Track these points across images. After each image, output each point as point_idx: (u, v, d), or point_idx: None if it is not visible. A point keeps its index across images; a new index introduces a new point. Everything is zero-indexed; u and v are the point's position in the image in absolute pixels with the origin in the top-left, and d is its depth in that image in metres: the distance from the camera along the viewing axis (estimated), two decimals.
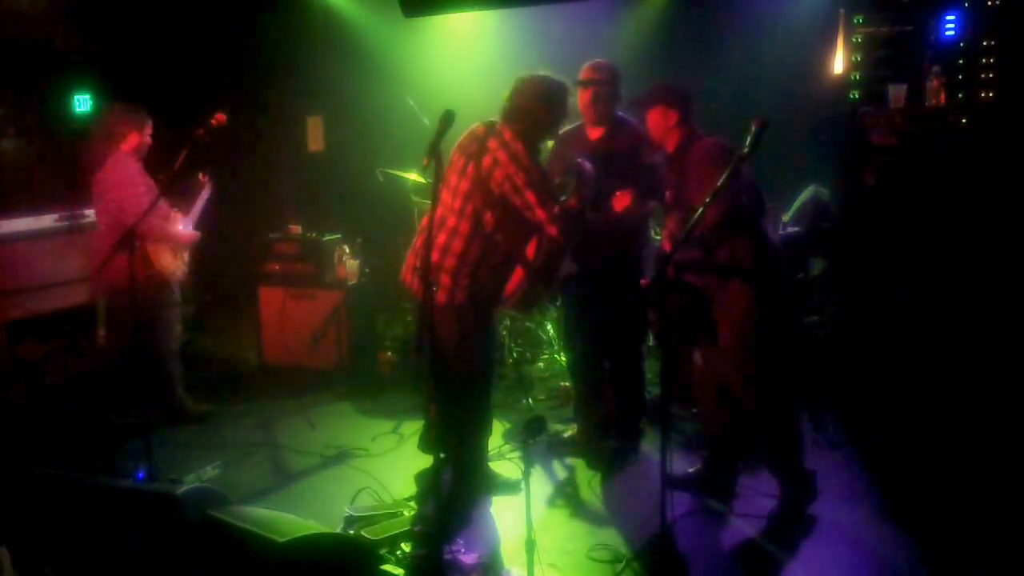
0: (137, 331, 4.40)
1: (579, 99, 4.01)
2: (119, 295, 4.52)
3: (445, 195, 3.60)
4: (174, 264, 4.85)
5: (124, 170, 4.67)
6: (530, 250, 3.67)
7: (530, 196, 3.44)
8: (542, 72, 3.64)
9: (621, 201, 3.71)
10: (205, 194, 5.09)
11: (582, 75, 4.04)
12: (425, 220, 3.58)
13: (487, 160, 3.49)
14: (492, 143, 3.50)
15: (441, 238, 3.56)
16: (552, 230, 3.46)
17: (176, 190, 4.95)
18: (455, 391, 3.62)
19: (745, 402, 3.62)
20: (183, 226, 4.94)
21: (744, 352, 3.54)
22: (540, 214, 3.44)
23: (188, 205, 5.02)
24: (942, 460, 4.03)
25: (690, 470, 3.93)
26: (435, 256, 3.52)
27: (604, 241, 3.93)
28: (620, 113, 4.11)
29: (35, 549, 3.29)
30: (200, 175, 5.11)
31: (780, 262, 3.65)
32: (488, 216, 3.51)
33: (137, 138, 4.77)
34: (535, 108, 3.55)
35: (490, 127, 3.56)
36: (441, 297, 3.54)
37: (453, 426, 3.65)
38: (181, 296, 5.05)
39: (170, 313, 4.93)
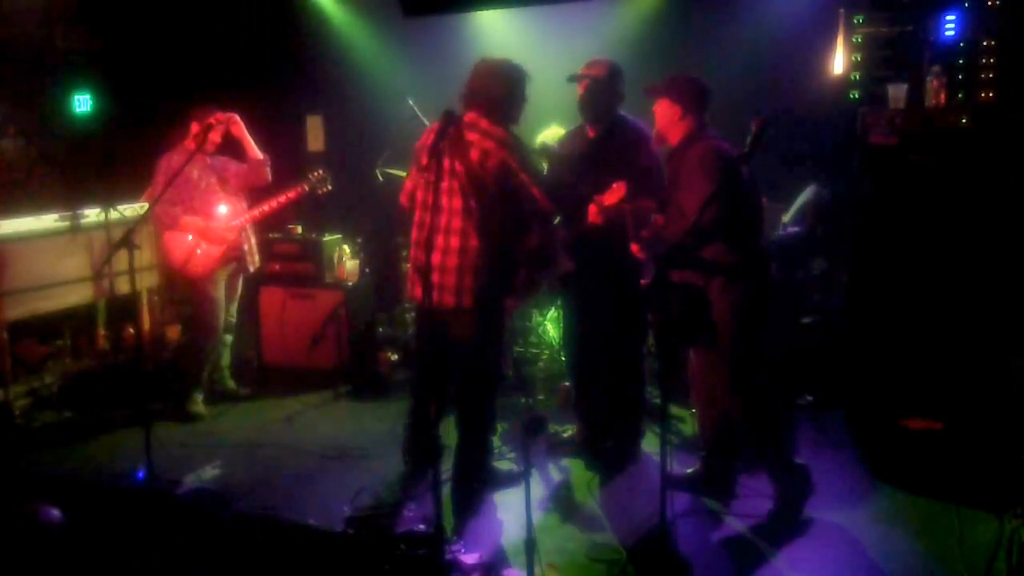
0: (139, 322, 4.54)
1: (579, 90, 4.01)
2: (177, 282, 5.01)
3: (429, 198, 3.60)
4: (192, 258, 4.92)
5: (166, 160, 4.90)
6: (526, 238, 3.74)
7: (525, 177, 3.55)
8: (498, 57, 3.71)
9: (616, 193, 3.69)
10: (292, 192, 5.13)
11: (581, 68, 4.02)
12: (416, 233, 3.69)
13: (475, 153, 3.52)
14: (472, 135, 3.53)
15: (439, 240, 3.57)
16: (549, 205, 3.57)
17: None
18: (470, 392, 3.67)
19: (724, 401, 3.66)
20: (228, 222, 5.02)
21: (722, 355, 3.58)
22: (536, 192, 3.56)
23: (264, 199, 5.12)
24: (943, 460, 4.03)
25: (688, 470, 3.94)
26: (436, 258, 3.56)
27: (603, 240, 3.93)
28: (621, 112, 4.10)
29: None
30: (315, 172, 5.19)
31: (766, 271, 3.66)
32: (483, 208, 3.55)
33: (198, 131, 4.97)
34: (504, 92, 3.61)
35: (454, 120, 3.47)
36: (450, 300, 3.56)
37: (464, 425, 3.72)
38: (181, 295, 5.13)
39: (201, 309, 5.03)
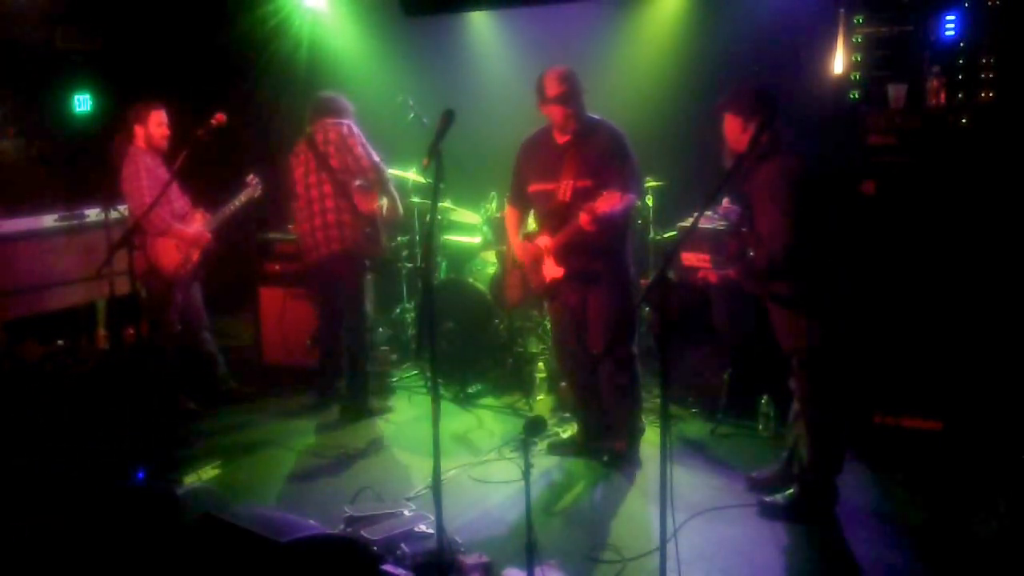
0: (139, 325, 4.50)
1: (552, 116, 4.01)
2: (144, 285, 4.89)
3: (312, 193, 4.79)
4: (176, 262, 4.86)
5: (130, 165, 4.80)
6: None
7: (363, 159, 4.74)
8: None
9: (608, 201, 3.69)
10: (244, 196, 5.15)
11: (547, 92, 3.96)
12: (303, 214, 4.83)
13: (332, 147, 4.77)
14: (333, 134, 4.75)
15: (321, 215, 4.79)
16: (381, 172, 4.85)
17: (216, 188, 5.16)
18: (350, 304, 4.95)
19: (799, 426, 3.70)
20: (202, 225, 4.99)
21: (801, 405, 3.66)
22: (366, 163, 4.75)
23: (222, 204, 5.08)
24: (943, 461, 4.03)
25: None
26: (332, 218, 4.77)
27: (586, 241, 3.93)
28: (590, 115, 4.08)
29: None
30: (250, 176, 5.19)
31: (839, 311, 3.60)
32: (344, 184, 4.74)
33: (142, 131, 4.87)
34: (344, 104, 4.90)
35: (321, 128, 4.78)
36: (324, 250, 4.79)
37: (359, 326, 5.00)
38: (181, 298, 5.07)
39: (168, 312, 4.97)
